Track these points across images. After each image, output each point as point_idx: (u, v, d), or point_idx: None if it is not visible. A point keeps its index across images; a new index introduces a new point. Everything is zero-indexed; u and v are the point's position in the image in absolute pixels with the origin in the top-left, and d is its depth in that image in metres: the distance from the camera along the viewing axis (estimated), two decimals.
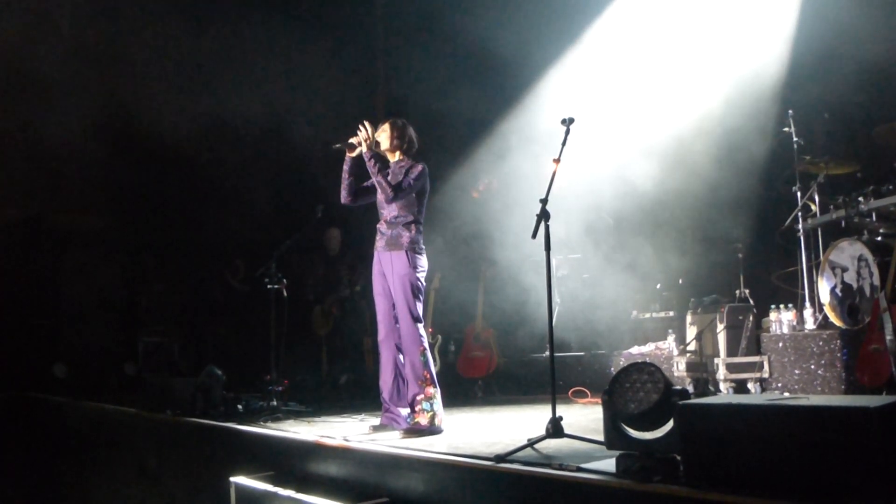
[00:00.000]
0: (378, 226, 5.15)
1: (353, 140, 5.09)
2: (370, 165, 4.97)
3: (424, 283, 5.07)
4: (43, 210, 10.43)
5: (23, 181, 9.67)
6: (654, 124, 7.67)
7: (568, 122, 4.36)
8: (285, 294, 6.48)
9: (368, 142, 5.03)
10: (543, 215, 4.15)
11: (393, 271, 4.97)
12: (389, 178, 5.03)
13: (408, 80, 9.73)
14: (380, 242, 5.10)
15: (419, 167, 5.05)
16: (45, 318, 10.19)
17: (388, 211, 5.05)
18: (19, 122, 9.08)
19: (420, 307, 5.00)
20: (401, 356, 5.01)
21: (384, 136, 5.13)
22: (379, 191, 5.03)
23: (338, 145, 5.13)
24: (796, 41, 7.14)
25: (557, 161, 4.34)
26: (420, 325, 4.96)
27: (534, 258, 8.35)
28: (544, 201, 4.17)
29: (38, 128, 8.91)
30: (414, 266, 4.96)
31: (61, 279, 10.34)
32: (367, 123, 5.05)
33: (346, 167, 5.15)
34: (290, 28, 9.50)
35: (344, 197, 5.21)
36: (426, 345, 4.97)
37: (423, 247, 5.08)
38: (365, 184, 5.22)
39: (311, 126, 9.03)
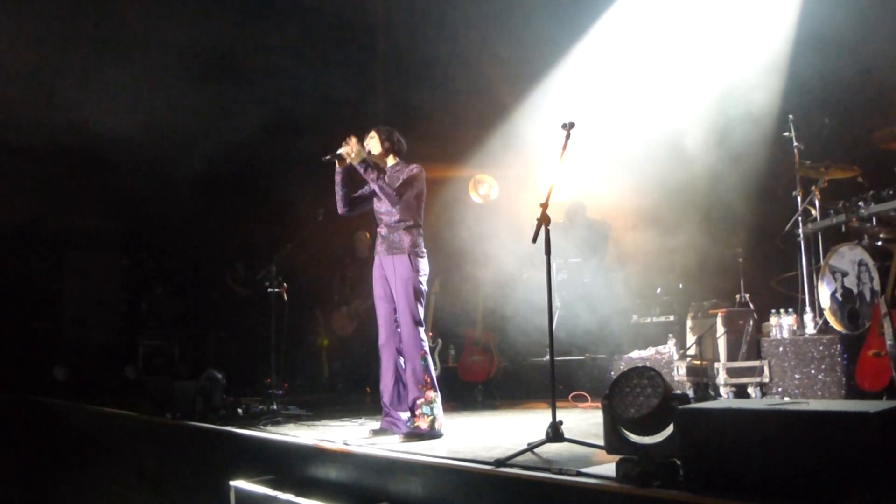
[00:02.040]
0: (378, 230, 5.15)
1: (341, 151, 5.08)
2: (367, 175, 4.95)
3: (426, 287, 5.07)
4: (44, 212, 10.45)
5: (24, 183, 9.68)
6: (653, 128, 7.68)
7: (568, 127, 4.35)
8: (286, 297, 6.49)
9: (356, 153, 4.98)
10: (544, 220, 4.14)
11: (395, 275, 4.96)
12: (387, 179, 5.04)
13: (406, 83, 9.75)
14: (381, 246, 5.10)
15: (416, 168, 5.06)
16: (45, 321, 10.20)
17: (389, 215, 5.05)
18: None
19: (421, 311, 5.00)
20: (401, 360, 5.02)
21: (374, 142, 5.12)
22: (379, 197, 5.03)
23: (327, 157, 5.12)
24: (796, 45, 7.15)
25: (558, 166, 4.34)
26: (421, 329, 4.95)
27: (534, 262, 8.37)
28: (545, 205, 4.17)
29: None
30: (416, 270, 4.95)
31: (62, 282, 10.36)
32: (353, 139, 5.02)
33: (338, 179, 5.16)
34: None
35: (340, 208, 5.22)
36: (427, 349, 4.96)
37: (425, 250, 5.08)
38: (359, 192, 5.23)
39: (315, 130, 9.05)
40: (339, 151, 5.07)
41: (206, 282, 10.61)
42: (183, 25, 8.56)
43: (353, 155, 4.96)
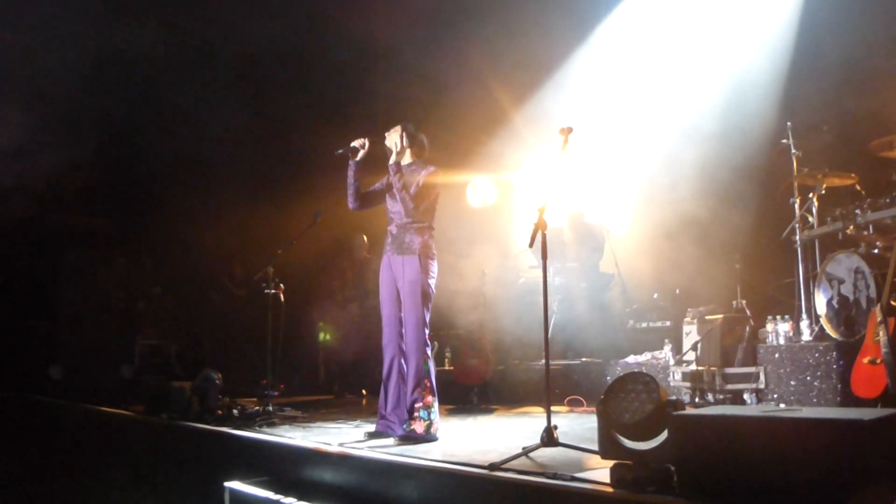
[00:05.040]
0: (389, 228, 5.07)
1: (355, 143, 5.06)
2: (395, 180, 4.90)
3: (434, 290, 4.99)
4: (42, 211, 10.44)
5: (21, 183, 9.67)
6: (652, 133, 7.69)
7: (566, 132, 4.35)
8: (282, 298, 6.48)
9: (401, 153, 5.00)
10: (541, 224, 4.14)
11: (404, 276, 4.91)
12: (403, 181, 4.97)
13: (408, 81, 9.74)
14: (391, 246, 5.03)
15: (433, 173, 4.98)
16: (42, 320, 10.19)
17: (400, 215, 4.99)
18: None
19: (428, 314, 4.92)
20: (403, 361, 4.97)
21: (396, 136, 5.03)
22: (394, 196, 5.00)
23: (340, 151, 5.09)
24: (795, 53, 7.16)
25: (556, 170, 4.35)
26: (427, 332, 4.90)
27: (531, 266, 8.38)
28: (542, 210, 4.17)
29: None
30: (426, 272, 4.89)
31: (59, 281, 10.35)
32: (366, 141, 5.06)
33: (350, 172, 5.10)
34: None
35: (351, 203, 5.15)
36: (430, 353, 4.93)
37: (436, 252, 5.01)
38: (372, 188, 5.17)
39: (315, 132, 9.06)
40: (352, 144, 5.05)
41: (203, 282, 10.61)
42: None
43: (395, 153, 4.95)
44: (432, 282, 4.95)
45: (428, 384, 4.85)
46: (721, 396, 5.77)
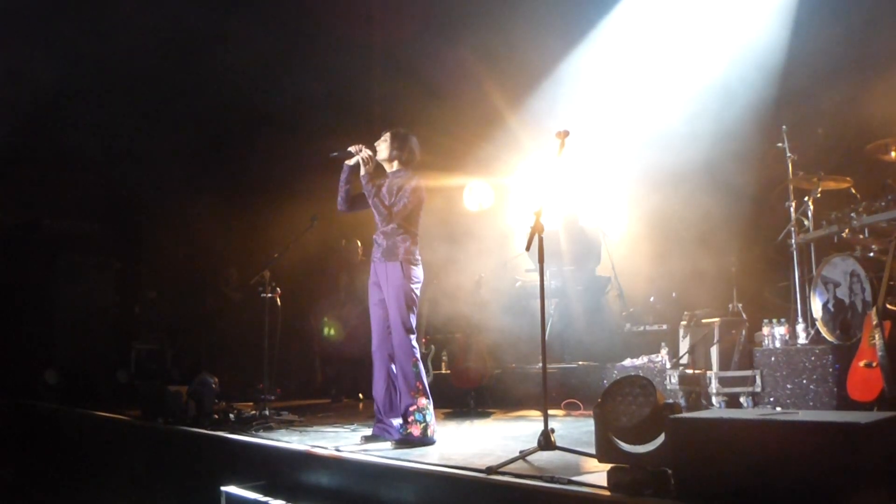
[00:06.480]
0: (374, 236, 5.13)
1: (351, 149, 5.09)
2: (367, 189, 4.99)
3: (419, 295, 5.05)
4: (37, 216, 10.42)
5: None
6: (647, 137, 7.71)
7: (563, 135, 4.36)
8: (279, 303, 6.48)
9: (365, 163, 5.03)
10: (537, 228, 4.14)
11: (388, 282, 4.96)
12: (385, 189, 5.04)
13: (404, 85, 9.76)
14: (376, 253, 5.09)
15: (414, 183, 5.01)
16: (37, 325, 10.15)
17: (380, 223, 5.06)
18: None
19: (414, 319, 4.97)
20: (393, 367, 5.00)
21: (384, 145, 5.10)
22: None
23: (335, 154, 5.13)
24: (790, 56, 7.18)
25: (552, 173, 4.35)
26: (413, 337, 4.93)
27: (527, 270, 8.38)
28: (538, 213, 4.17)
29: None
30: (408, 277, 4.94)
31: (54, 285, 10.30)
32: (365, 150, 5.07)
33: (342, 176, 5.16)
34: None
35: (340, 204, 5.22)
36: (418, 355, 4.95)
37: (419, 258, 5.05)
38: (362, 191, 5.21)
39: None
40: (349, 149, 5.09)
41: (199, 286, 10.60)
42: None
43: (362, 165, 5.00)
44: (416, 287, 4.99)
45: (420, 387, 4.87)
46: (717, 400, 5.77)
